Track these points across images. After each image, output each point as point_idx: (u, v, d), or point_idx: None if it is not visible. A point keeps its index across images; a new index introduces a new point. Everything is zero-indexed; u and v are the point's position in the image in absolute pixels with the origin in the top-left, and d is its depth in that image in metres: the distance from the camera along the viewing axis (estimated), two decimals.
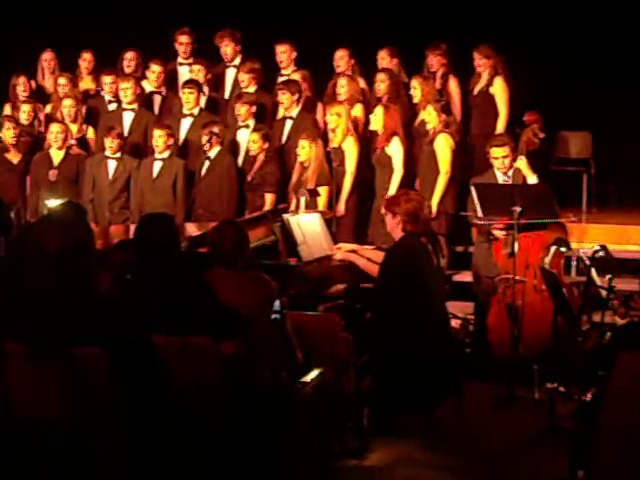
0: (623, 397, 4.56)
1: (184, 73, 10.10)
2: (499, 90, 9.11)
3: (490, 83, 9.14)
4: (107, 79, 9.89)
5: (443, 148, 8.59)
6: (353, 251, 7.20)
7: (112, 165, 9.28)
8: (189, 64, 10.06)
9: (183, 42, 10.13)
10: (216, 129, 9.03)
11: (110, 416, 3.83)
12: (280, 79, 9.70)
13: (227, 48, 9.96)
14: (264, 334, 5.07)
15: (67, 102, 9.67)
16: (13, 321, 3.80)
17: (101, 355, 3.76)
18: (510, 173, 7.89)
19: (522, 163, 7.90)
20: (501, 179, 7.90)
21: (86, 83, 10.37)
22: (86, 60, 10.34)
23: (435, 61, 9.46)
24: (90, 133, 9.88)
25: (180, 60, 10.23)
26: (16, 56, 10.66)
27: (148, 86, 10.07)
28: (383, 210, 6.85)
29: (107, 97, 9.99)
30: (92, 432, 3.82)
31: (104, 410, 3.82)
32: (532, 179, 7.85)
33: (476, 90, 9.29)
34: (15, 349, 3.82)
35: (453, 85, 9.45)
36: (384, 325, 6.42)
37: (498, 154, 7.87)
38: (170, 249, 4.87)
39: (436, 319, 6.55)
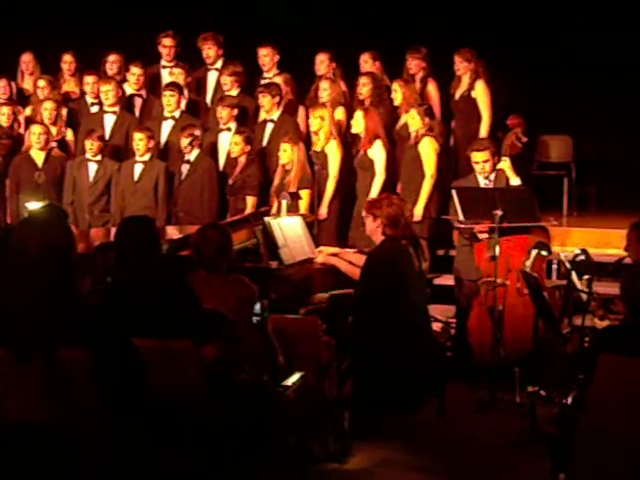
0: (603, 400, 4.58)
1: (167, 76, 10.08)
2: (481, 94, 9.13)
3: (472, 87, 9.15)
4: (89, 79, 9.87)
5: (428, 151, 8.60)
6: (334, 255, 7.20)
7: (92, 168, 9.25)
8: (170, 67, 10.04)
9: (167, 45, 10.11)
10: (196, 132, 9.01)
11: (93, 418, 3.82)
12: (262, 82, 9.69)
13: (210, 51, 9.96)
14: (245, 337, 5.07)
15: (47, 105, 9.64)
16: None
17: (83, 357, 3.75)
18: (492, 177, 7.91)
19: (506, 164, 7.91)
20: (482, 183, 7.91)
21: (69, 85, 10.33)
22: (67, 62, 10.30)
23: (414, 65, 9.48)
24: (69, 135, 9.84)
25: (163, 63, 10.21)
26: None
27: (129, 89, 10.05)
28: (364, 213, 6.85)
29: (89, 99, 9.96)
30: (76, 434, 3.81)
31: (87, 412, 3.81)
32: (515, 181, 7.87)
33: (457, 94, 9.30)
34: (1, 354, 3.80)
35: (432, 89, 9.47)
36: (365, 328, 6.43)
37: (479, 158, 7.88)
38: (150, 252, 4.85)
39: (417, 322, 6.56)
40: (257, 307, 5.24)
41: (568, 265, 6.68)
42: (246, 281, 5.29)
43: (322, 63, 9.71)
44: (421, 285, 6.88)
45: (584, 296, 6.37)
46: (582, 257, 6.70)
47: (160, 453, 4.30)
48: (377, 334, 6.35)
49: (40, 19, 11.24)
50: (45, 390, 3.79)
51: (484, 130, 9.07)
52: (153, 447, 4.19)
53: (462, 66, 9.18)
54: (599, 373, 4.58)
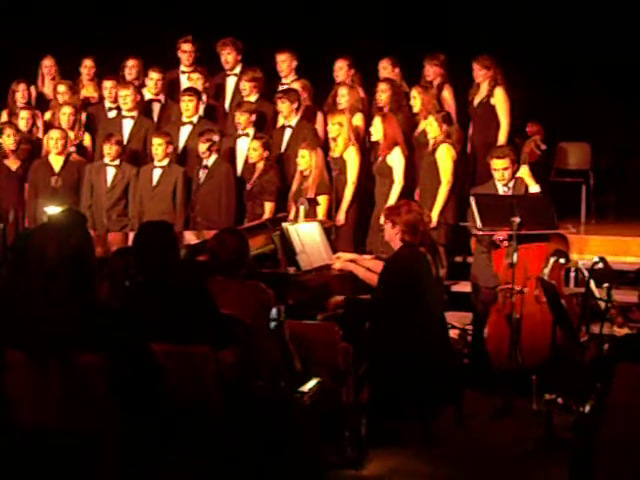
0: (622, 409, 4.56)
1: (186, 81, 10.10)
2: (500, 101, 9.11)
3: (491, 94, 9.14)
4: (107, 84, 9.91)
5: (445, 158, 8.59)
6: (352, 261, 7.20)
7: (111, 172, 9.28)
8: (189, 72, 10.06)
9: (186, 50, 10.13)
10: (214, 137, 9.02)
11: (109, 423, 3.82)
12: (280, 88, 9.70)
13: (229, 56, 9.97)
14: (262, 343, 5.07)
15: (66, 109, 9.67)
16: (13, 329, 3.79)
17: (101, 362, 3.76)
18: (511, 184, 7.89)
19: (525, 171, 7.90)
20: (501, 190, 7.90)
21: (88, 90, 10.37)
22: (87, 67, 10.34)
23: (432, 71, 9.47)
24: (87, 140, 9.88)
25: (182, 68, 10.23)
26: (16, 63, 10.66)
27: (147, 93, 10.08)
28: (382, 219, 6.85)
29: (107, 104, 10.00)
30: (92, 438, 3.81)
31: (104, 417, 3.81)
32: (534, 188, 7.85)
33: (476, 101, 9.29)
34: (16, 357, 3.81)
35: (447, 95, 9.47)
36: (383, 334, 6.42)
37: (498, 166, 7.87)
38: (169, 257, 4.86)
39: (434, 329, 6.55)
40: (274, 312, 5.24)
41: (586, 273, 6.67)
42: (263, 287, 5.29)
43: (341, 69, 9.72)
44: (438, 292, 6.87)
45: (602, 304, 6.35)
46: (600, 265, 6.68)
47: (176, 458, 4.30)
48: (394, 340, 6.34)
49: (59, 24, 11.28)
50: (61, 394, 3.79)
51: (502, 137, 9.05)
52: (169, 452, 4.19)
53: (481, 73, 9.17)
54: (617, 381, 4.56)
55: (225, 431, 4.62)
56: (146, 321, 4.35)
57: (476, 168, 9.07)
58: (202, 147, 8.99)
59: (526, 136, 8.37)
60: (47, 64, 10.50)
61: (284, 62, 9.83)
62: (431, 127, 8.64)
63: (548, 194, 7.95)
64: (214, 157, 9.07)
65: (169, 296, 4.70)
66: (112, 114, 9.93)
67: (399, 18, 10.85)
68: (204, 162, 9.01)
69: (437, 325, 6.61)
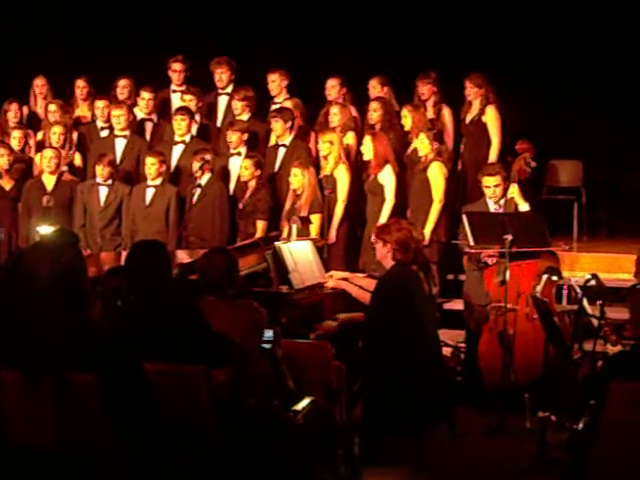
0: (616, 426, 4.56)
1: (177, 100, 10.12)
2: (491, 119, 9.15)
3: (482, 112, 9.18)
4: (99, 103, 9.92)
5: (436, 176, 8.61)
6: (345, 279, 7.20)
7: (103, 192, 9.28)
8: (182, 91, 10.08)
9: (177, 69, 10.16)
10: (208, 156, 9.03)
11: (104, 442, 3.81)
12: (273, 107, 9.72)
13: (223, 75, 9.98)
14: (255, 362, 5.06)
15: (56, 129, 9.68)
16: (6, 349, 3.79)
17: (94, 381, 3.75)
18: (502, 202, 7.91)
19: (515, 190, 7.92)
20: (492, 208, 7.91)
21: (82, 110, 10.38)
22: (80, 87, 10.35)
23: (425, 90, 9.49)
24: (78, 160, 9.88)
25: (173, 87, 10.25)
26: (9, 82, 10.68)
27: (139, 113, 10.09)
28: (373, 238, 6.85)
29: (100, 124, 10.01)
30: (86, 458, 3.80)
31: (98, 436, 3.81)
32: (524, 206, 7.87)
33: (468, 119, 9.32)
34: (9, 377, 3.80)
35: (447, 114, 9.49)
36: (376, 353, 6.42)
37: (490, 183, 7.89)
38: (161, 276, 4.86)
39: (427, 347, 6.55)
40: (269, 334, 5.24)
41: (579, 290, 6.68)
42: (255, 306, 5.28)
43: (333, 88, 9.74)
44: (431, 310, 6.87)
45: (595, 321, 6.36)
46: (593, 282, 6.69)
47: (170, 476, 4.29)
48: (387, 358, 6.34)
49: (51, 44, 11.31)
50: (55, 413, 3.79)
51: (493, 155, 9.08)
52: (163, 471, 4.18)
53: (473, 91, 9.21)
54: (611, 399, 4.56)
55: (218, 450, 4.61)
56: (139, 340, 4.34)
57: (467, 185, 9.10)
58: (195, 166, 9.00)
59: (516, 154, 8.39)
60: (39, 84, 10.51)
61: (274, 82, 9.86)
62: (422, 145, 8.66)
63: (539, 212, 7.97)
64: (208, 176, 9.08)
65: (161, 315, 4.69)
66: (104, 133, 9.94)
67: (390, 37, 10.89)
68: (197, 181, 9.02)
69: (430, 343, 6.62)
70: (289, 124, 9.29)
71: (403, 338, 6.36)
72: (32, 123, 10.37)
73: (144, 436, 3.92)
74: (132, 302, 4.86)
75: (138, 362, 3.96)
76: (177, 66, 10.16)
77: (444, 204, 8.64)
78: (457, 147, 9.39)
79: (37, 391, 3.75)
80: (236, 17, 11.35)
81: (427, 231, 8.51)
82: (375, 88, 9.74)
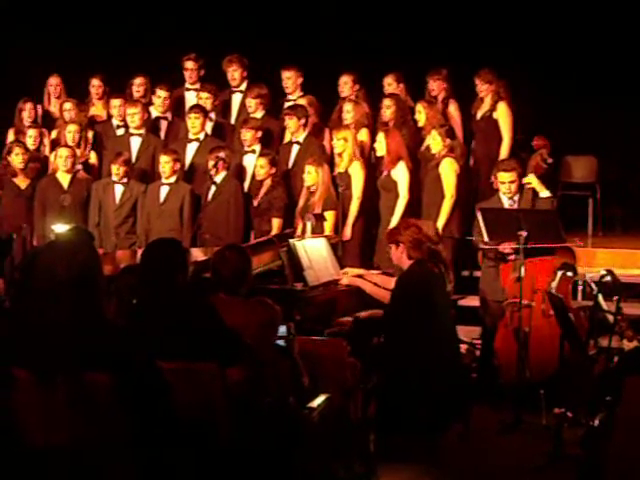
0: (632, 422, 4.55)
1: (191, 98, 10.14)
2: (503, 115, 9.14)
3: (493, 108, 9.17)
4: (115, 102, 9.94)
5: (448, 172, 8.61)
6: (359, 276, 7.20)
7: (119, 190, 9.31)
8: (196, 89, 10.10)
9: (190, 67, 10.18)
10: (223, 154, 9.04)
11: (119, 442, 3.82)
12: (286, 104, 9.72)
13: (235, 73, 10.00)
14: (269, 359, 5.06)
15: (71, 127, 9.71)
16: (22, 348, 3.80)
17: (109, 380, 3.76)
18: (516, 197, 7.90)
19: (533, 179, 7.91)
20: (507, 204, 7.90)
21: (97, 109, 10.40)
22: (95, 86, 10.38)
23: (436, 86, 9.49)
24: (92, 158, 9.91)
25: (187, 85, 10.27)
26: (23, 81, 10.71)
27: (154, 111, 10.11)
28: (386, 244, 6.86)
29: (115, 122, 10.03)
30: (101, 458, 3.81)
31: (113, 436, 3.81)
32: (544, 193, 7.87)
33: (479, 115, 9.31)
34: (24, 376, 3.81)
35: (453, 109, 9.48)
36: (394, 349, 6.41)
37: (505, 179, 7.88)
38: (177, 273, 4.86)
39: (446, 344, 6.55)
40: (283, 329, 5.24)
41: (594, 286, 6.66)
42: (269, 303, 5.27)
43: (346, 85, 9.74)
44: (448, 306, 6.87)
45: (610, 317, 6.34)
46: (608, 278, 6.67)
47: (185, 475, 4.30)
48: (405, 356, 6.33)
49: (65, 43, 11.34)
50: (70, 413, 3.80)
51: (505, 151, 9.07)
52: (178, 469, 4.18)
53: (483, 88, 9.20)
54: (626, 395, 4.55)
55: (234, 448, 4.61)
56: (153, 338, 4.35)
57: (479, 182, 9.08)
58: (210, 164, 9.01)
59: (532, 150, 8.37)
60: (53, 82, 10.54)
61: (289, 79, 9.85)
62: (434, 141, 8.66)
63: (555, 207, 7.95)
64: (223, 174, 9.08)
65: (176, 313, 4.70)
66: (120, 132, 9.96)
67: (402, 33, 10.88)
68: (212, 178, 9.03)
69: (449, 340, 6.61)
70: (303, 121, 9.29)
71: (423, 336, 6.36)
72: (46, 122, 10.39)
73: (159, 435, 3.92)
74: (146, 299, 4.86)
75: (153, 360, 3.97)
76: (190, 64, 10.18)
77: (456, 200, 8.63)
78: (467, 143, 9.37)
79: (52, 390, 3.76)
80: (250, 14, 11.36)
81: (439, 227, 8.50)
82: (391, 85, 9.73)
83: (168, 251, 4.95)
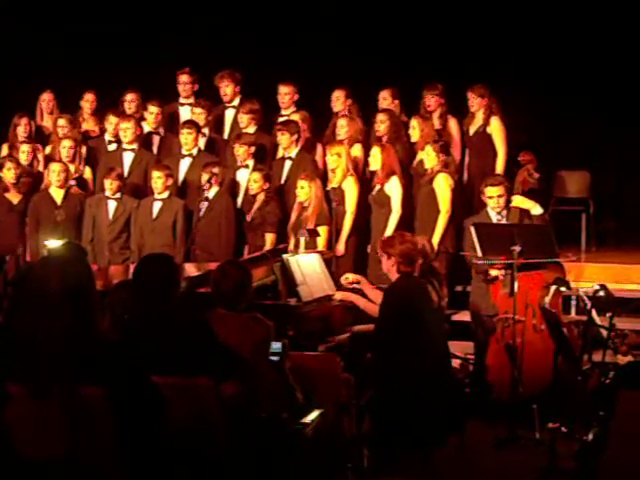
0: (625, 436, 4.55)
1: (184, 113, 10.14)
2: (496, 130, 9.16)
3: (487, 123, 9.18)
4: (112, 119, 9.93)
5: (443, 188, 8.62)
6: (357, 282, 7.20)
7: (112, 205, 9.30)
8: (190, 104, 10.10)
9: (184, 82, 10.18)
10: (216, 169, 9.05)
11: (112, 455, 3.82)
12: (280, 120, 9.73)
13: (227, 89, 10.01)
14: (263, 375, 5.06)
15: (66, 143, 9.71)
16: (15, 363, 3.79)
17: (103, 395, 3.75)
18: (504, 213, 7.91)
19: (519, 200, 7.93)
20: (495, 218, 7.92)
21: (88, 124, 10.41)
22: (88, 101, 10.38)
23: (433, 101, 9.49)
24: (87, 173, 9.90)
25: (181, 100, 10.28)
26: (16, 97, 10.71)
27: (147, 127, 10.11)
28: (379, 251, 6.86)
29: (107, 137, 10.03)
30: (95, 471, 3.81)
31: (107, 449, 3.81)
32: (536, 209, 7.88)
33: (472, 130, 9.33)
34: (18, 390, 3.80)
35: (453, 125, 9.49)
36: (385, 365, 6.41)
37: (493, 193, 7.89)
38: (169, 289, 4.86)
39: (436, 358, 6.54)
40: (276, 346, 5.24)
41: (588, 301, 6.66)
42: (262, 319, 5.27)
43: (338, 100, 9.76)
44: (440, 321, 6.86)
45: (604, 332, 6.35)
46: (601, 293, 6.68)
47: None
48: (396, 370, 6.32)
49: (59, 59, 11.35)
50: (64, 427, 3.79)
51: (500, 166, 9.08)
52: None
53: (476, 102, 9.21)
54: (620, 409, 4.56)
55: (228, 463, 4.60)
56: (148, 354, 4.34)
57: (473, 197, 9.09)
58: (203, 179, 9.01)
59: (519, 165, 8.41)
60: (45, 98, 10.53)
61: (287, 95, 9.86)
62: (428, 157, 8.68)
63: (548, 222, 7.97)
64: (215, 189, 9.09)
65: (170, 328, 4.70)
66: (112, 147, 9.96)
67: (397, 48, 10.91)
68: (205, 194, 9.03)
69: (439, 354, 6.60)
70: (295, 136, 9.30)
71: (410, 350, 6.35)
72: (38, 138, 10.38)
73: (153, 449, 3.92)
74: (139, 315, 4.86)
75: (147, 374, 3.96)
76: (184, 78, 10.18)
77: (450, 215, 8.64)
78: (464, 158, 9.39)
79: (46, 404, 3.76)
80: (244, 29, 11.38)
81: (434, 242, 8.49)
82: (386, 100, 9.74)
83: (161, 267, 4.95)
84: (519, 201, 7.93)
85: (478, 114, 9.24)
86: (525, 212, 7.98)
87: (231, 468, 4.60)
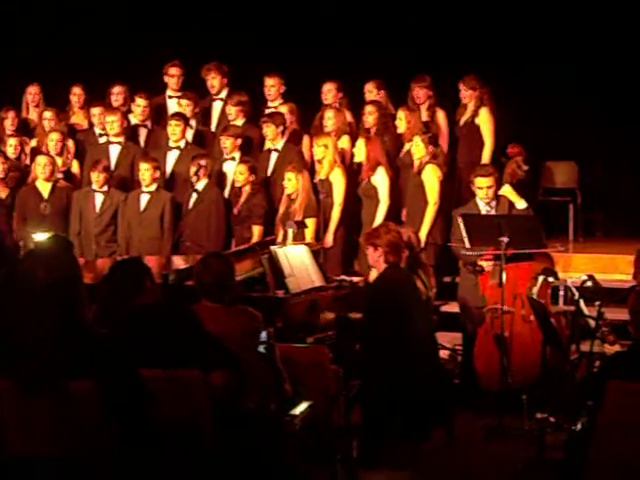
0: (613, 426, 4.56)
1: (172, 106, 10.11)
2: (485, 121, 9.15)
3: (476, 114, 9.18)
4: (95, 110, 9.90)
5: (431, 179, 8.62)
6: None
7: (99, 198, 9.27)
8: (178, 97, 10.07)
9: (174, 74, 10.14)
10: (204, 162, 9.03)
11: (101, 450, 3.81)
12: (267, 111, 9.72)
13: (214, 81, 9.98)
14: (252, 366, 5.05)
15: (53, 136, 9.67)
16: (3, 357, 3.78)
17: (92, 389, 3.74)
18: (493, 204, 7.92)
19: (508, 190, 7.93)
20: (484, 209, 7.93)
21: (77, 117, 10.37)
22: (76, 94, 10.34)
23: (421, 93, 9.48)
24: (75, 167, 9.87)
25: (169, 93, 10.24)
26: (2, 90, 10.66)
27: (134, 119, 10.08)
28: (363, 244, 6.84)
29: (97, 131, 9.99)
30: (84, 467, 3.80)
31: (95, 444, 3.80)
32: (521, 204, 7.88)
33: (462, 121, 9.32)
34: (5, 385, 3.79)
35: (441, 117, 9.48)
36: (372, 357, 6.41)
37: (483, 184, 7.90)
38: (135, 292, 4.86)
39: (423, 349, 6.55)
40: (263, 335, 5.24)
41: (575, 291, 6.68)
42: (251, 311, 5.28)
43: (329, 92, 9.74)
44: (428, 312, 6.87)
45: (592, 322, 6.36)
46: (589, 283, 6.70)
47: None
48: (384, 362, 6.33)
49: (46, 52, 11.32)
50: (53, 421, 3.78)
51: (486, 157, 9.07)
52: (161, 476, 4.17)
53: (467, 94, 9.21)
54: (608, 399, 4.56)
55: (216, 454, 4.60)
56: (135, 346, 4.33)
57: (461, 188, 9.09)
58: (192, 171, 9.00)
59: (508, 157, 8.42)
60: (32, 91, 10.48)
61: (273, 87, 9.84)
62: (417, 148, 8.67)
63: (535, 211, 7.98)
64: (205, 181, 9.07)
65: (158, 320, 4.69)
66: (102, 140, 9.92)
67: (386, 40, 10.90)
68: (194, 186, 9.01)
69: (426, 345, 6.61)
70: (281, 128, 9.29)
71: (398, 341, 6.36)
72: (25, 131, 10.34)
73: (142, 442, 3.91)
74: (131, 310, 4.85)
75: (135, 369, 3.96)
76: (174, 71, 10.14)
77: (439, 207, 8.64)
78: (452, 150, 9.39)
79: (35, 399, 3.74)
80: (232, 20, 11.35)
81: (422, 234, 8.51)
82: (371, 92, 9.73)
83: (129, 269, 4.97)
84: (507, 191, 7.92)
85: (469, 105, 9.24)
86: (512, 204, 7.98)
87: (219, 460, 4.60)
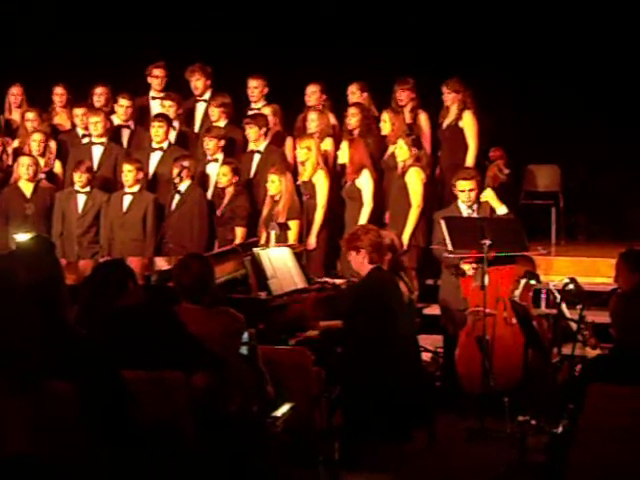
0: (593, 429, 4.57)
1: (157, 107, 10.09)
2: (468, 124, 9.16)
3: (459, 117, 9.18)
4: (78, 111, 9.88)
5: (415, 182, 8.62)
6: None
7: (81, 199, 9.24)
8: (161, 98, 10.05)
9: (157, 75, 10.12)
10: (187, 163, 9.01)
11: (82, 450, 3.80)
12: (250, 113, 9.71)
13: (198, 82, 9.97)
14: (234, 368, 5.05)
15: (36, 136, 9.64)
16: None
17: (72, 389, 3.73)
18: (475, 207, 7.94)
19: (489, 195, 7.95)
20: (465, 212, 7.94)
21: (60, 118, 10.34)
22: (58, 94, 10.31)
23: (404, 96, 9.49)
24: (57, 167, 9.84)
25: (153, 94, 10.22)
26: None
27: (116, 120, 10.06)
28: (345, 250, 6.81)
29: (80, 131, 9.96)
30: (64, 467, 3.79)
31: (76, 445, 3.79)
32: (501, 209, 7.90)
33: (445, 124, 9.33)
34: None
35: (423, 119, 9.50)
36: (354, 358, 6.41)
37: (464, 187, 7.92)
38: (118, 294, 4.85)
39: (405, 351, 6.55)
40: (245, 336, 5.23)
41: (557, 294, 6.70)
42: (233, 312, 5.26)
43: (313, 94, 9.74)
44: (410, 314, 6.87)
45: (574, 325, 6.38)
46: (571, 286, 6.72)
47: None
48: (366, 364, 6.33)
49: (28, 52, 11.28)
50: (33, 423, 3.77)
51: (470, 160, 9.08)
52: (142, 478, 4.16)
53: (450, 97, 9.21)
54: (589, 402, 4.58)
55: (197, 456, 4.60)
56: (117, 347, 4.33)
57: (444, 191, 9.10)
58: (174, 172, 8.98)
59: (490, 161, 8.44)
60: (14, 92, 10.45)
61: (256, 88, 9.85)
62: (401, 150, 8.67)
63: (516, 215, 8.00)
64: (187, 183, 9.06)
65: (139, 322, 4.68)
66: (85, 141, 9.89)
67: (369, 42, 10.91)
68: (177, 187, 8.99)
69: (409, 347, 6.62)
70: (263, 130, 9.29)
71: (380, 343, 6.35)
72: (7, 131, 10.30)
73: (123, 443, 3.90)
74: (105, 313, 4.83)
75: (116, 370, 3.95)
76: (158, 72, 10.13)
77: (422, 209, 8.65)
78: (435, 152, 9.40)
79: (14, 400, 3.73)
80: (216, 22, 11.35)
81: (405, 236, 8.51)
82: (354, 94, 9.74)
83: (112, 271, 4.95)
84: (489, 196, 7.94)
85: (452, 108, 9.25)
86: (493, 209, 7.99)
87: (201, 461, 4.60)
